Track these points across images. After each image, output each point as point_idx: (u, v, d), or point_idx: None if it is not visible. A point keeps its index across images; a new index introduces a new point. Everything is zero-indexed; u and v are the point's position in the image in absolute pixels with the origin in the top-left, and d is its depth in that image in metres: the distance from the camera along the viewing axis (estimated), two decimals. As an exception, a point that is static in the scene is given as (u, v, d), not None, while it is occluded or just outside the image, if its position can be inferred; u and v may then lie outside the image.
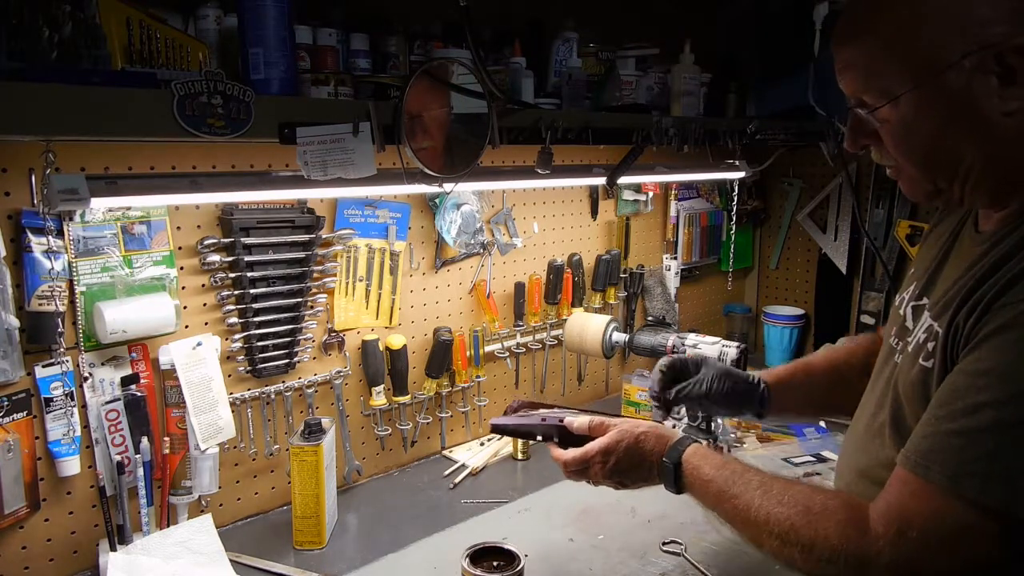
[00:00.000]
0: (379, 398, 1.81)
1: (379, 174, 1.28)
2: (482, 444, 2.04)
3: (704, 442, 1.73)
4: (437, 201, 1.85)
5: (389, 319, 1.83)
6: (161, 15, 1.28)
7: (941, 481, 0.82)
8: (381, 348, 1.80)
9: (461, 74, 1.39)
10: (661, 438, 1.15)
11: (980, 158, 0.90)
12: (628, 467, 1.16)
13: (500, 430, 1.33)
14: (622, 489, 1.21)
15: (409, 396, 1.86)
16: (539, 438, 1.26)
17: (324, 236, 1.65)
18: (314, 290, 1.66)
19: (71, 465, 1.36)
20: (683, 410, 1.90)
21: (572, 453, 1.20)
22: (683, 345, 1.95)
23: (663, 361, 1.36)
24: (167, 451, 1.46)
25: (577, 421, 1.23)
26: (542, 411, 1.31)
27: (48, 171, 1.13)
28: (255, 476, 1.66)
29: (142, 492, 1.41)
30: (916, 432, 0.88)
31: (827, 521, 0.90)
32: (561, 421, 1.24)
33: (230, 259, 1.52)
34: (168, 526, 1.46)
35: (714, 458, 1.08)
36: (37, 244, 1.27)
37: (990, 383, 0.81)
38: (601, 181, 1.89)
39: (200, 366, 1.47)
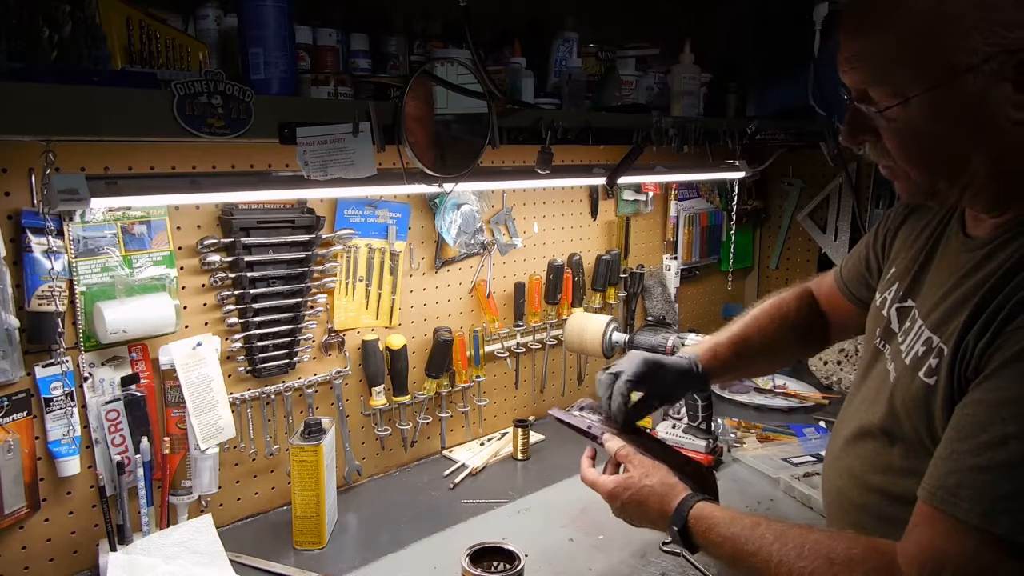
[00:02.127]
0: (379, 398, 1.81)
1: (379, 174, 1.29)
2: (482, 444, 2.04)
3: (707, 448, 1.71)
4: (437, 201, 1.85)
5: (389, 319, 1.83)
6: (161, 15, 1.28)
7: (972, 519, 0.78)
8: (381, 348, 1.80)
9: (461, 74, 1.39)
10: (665, 497, 1.10)
11: (986, 165, 0.87)
12: (633, 515, 1.15)
13: (559, 420, 1.34)
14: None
15: (409, 396, 1.86)
16: (599, 442, 1.27)
17: (324, 236, 1.65)
18: (314, 290, 1.66)
19: (71, 465, 1.36)
20: (683, 410, 1.91)
21: (589, 477, 1.22)
22: (683, 345, 1.95)
23: (625, 388, 1.26)
24: (167, 451, 1.46)
25: (610, 443, 1.23)
26: (599, 417, 1.32)
27: (48, 171, 1.13)
28: (255, 476, 1.66)
29: (142, 492, 1.41)
30: (936, 467, 0.84)
31: (853, 572, 0.86)
32: (601, 434, 1.26)
33: (230, 259, 1.52)
34: (168, 526, 1.46)
35: (721, 515, 1.03)
36: (37, 244, 1.27)
37: (1014, 413, 0.78)
38: (601, 181, 1.89)
39: (200, 366, 1.47)
